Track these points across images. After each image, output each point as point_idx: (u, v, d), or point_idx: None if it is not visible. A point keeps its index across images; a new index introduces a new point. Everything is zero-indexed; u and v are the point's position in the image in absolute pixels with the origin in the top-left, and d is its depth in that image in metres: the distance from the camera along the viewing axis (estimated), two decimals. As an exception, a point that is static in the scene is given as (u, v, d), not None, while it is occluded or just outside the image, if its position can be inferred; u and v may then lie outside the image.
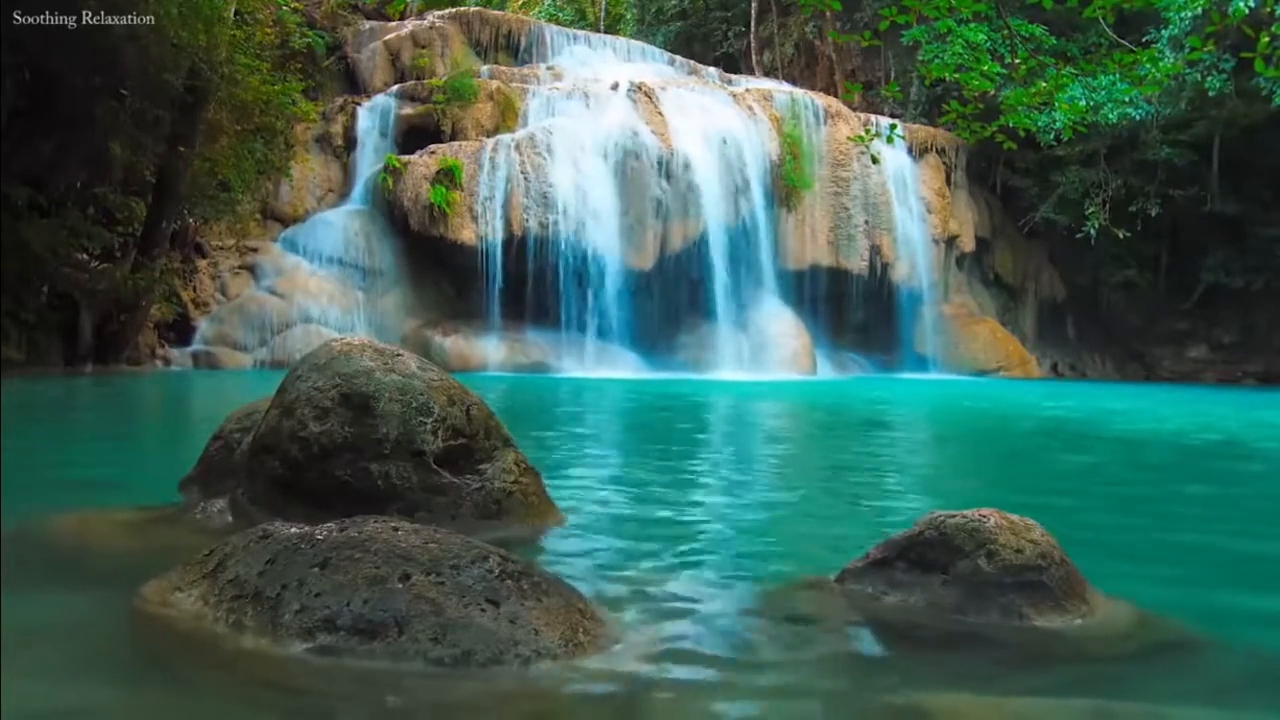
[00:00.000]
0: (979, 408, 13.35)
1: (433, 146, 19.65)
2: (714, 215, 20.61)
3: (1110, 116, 20.68)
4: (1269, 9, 13.67)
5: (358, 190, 20.02)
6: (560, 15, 33.50)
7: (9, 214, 12.87)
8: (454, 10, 23.83)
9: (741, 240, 21.20)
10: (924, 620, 2.48)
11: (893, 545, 2.69)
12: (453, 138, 20.08)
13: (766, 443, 8.33)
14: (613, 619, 2.37)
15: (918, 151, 24.29)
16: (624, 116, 20.54)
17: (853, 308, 23.45)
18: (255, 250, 18.47)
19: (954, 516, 2.62)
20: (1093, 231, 23.45)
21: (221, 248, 18.23)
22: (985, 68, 8.18)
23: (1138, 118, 21.63)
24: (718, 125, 21.34)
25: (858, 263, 22.87)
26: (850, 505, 4.76)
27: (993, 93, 9.22)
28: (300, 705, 1.92)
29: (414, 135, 20.34)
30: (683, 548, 3.46)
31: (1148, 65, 7.46)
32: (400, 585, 2.12)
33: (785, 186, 21.96)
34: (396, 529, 2.30)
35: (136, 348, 15.61)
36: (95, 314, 14.72)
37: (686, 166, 20.41)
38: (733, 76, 25.60)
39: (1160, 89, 16.57)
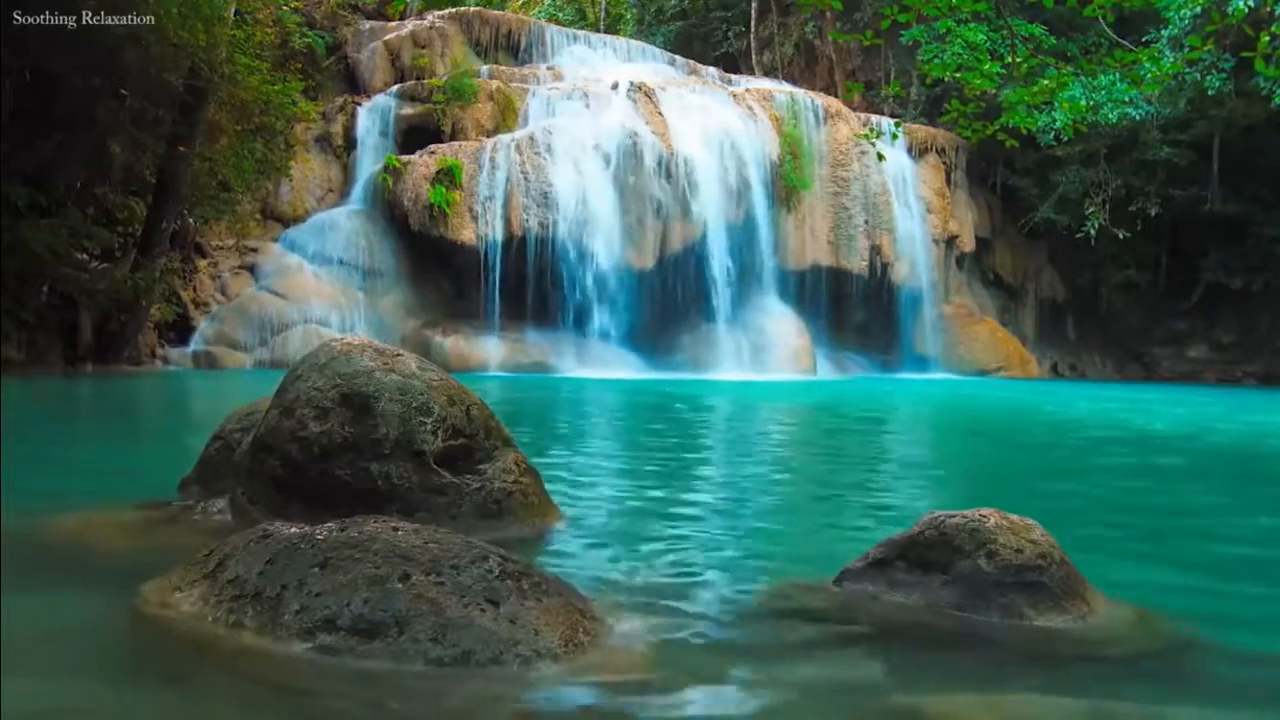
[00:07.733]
0: (979, 408, 13.35)
1: (433, 146, 19.64)
2: (714, 215, 20.59)
3: (1110, 116, 20.64)
4: (1269, 8, 13.67)
5: (358, 190, 20.00)
6: (560, 15, 33.44)
7: (9, 214, 12.86)
8: (454, 10, 23.81)
9: (741, 240, 21.16)
10: (924, 620, 2.48)
11: (893, 545, 2.69)
12: (453, 138, 20.06)
13: (766, 443, 8.33)
14: (612, 619, 2.37)
15: (918, 151, 24.27)
16: (624, 116, 20.51)
17: (853, 308, 23.41)
18: (255, 250, 18.45)
19: (954, 516, 2.62)
20: (1093, 231, 23.43)
21: (221, 248, 18.23)
22: (985, 67, 8.16)
23: (1138, 118, 21.59)
24: (718, 125, 21.30)
25: (858, 263, 22.84)
26: (850, 506, 4.76)
27: (993, 92, 9.21)
28: (300, 705, 1.91)
29: (414, 135, 20.32)
30: (682, 548, 3.46)
31: (1148, 65, 7.45)
32: (400, 585, 2.12)
33: (785, 186, 21.93)
34: (396, 529, 2.30)
35: (136, 348, 15.60)
36: (95, 314, 14.70)
37: (686, 166, 20.38)
38: (733, 76, 25.56)
39: (1160, 89, 16.56)
